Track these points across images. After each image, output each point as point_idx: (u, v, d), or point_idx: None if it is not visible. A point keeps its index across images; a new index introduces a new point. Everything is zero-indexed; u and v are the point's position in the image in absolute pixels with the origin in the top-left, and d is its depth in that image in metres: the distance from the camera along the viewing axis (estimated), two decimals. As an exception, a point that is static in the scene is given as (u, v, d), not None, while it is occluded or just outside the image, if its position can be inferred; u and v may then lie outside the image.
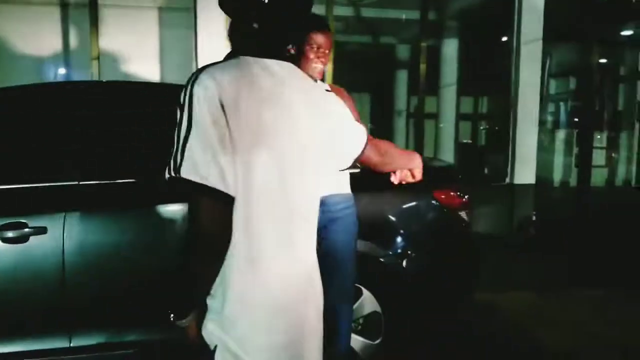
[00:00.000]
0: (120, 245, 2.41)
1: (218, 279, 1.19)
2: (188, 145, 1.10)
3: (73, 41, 7.79)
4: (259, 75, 1.20)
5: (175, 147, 1.12)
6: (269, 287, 1.20)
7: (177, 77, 7.71)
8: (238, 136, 1.13)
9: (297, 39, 1.92)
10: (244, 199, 1.16)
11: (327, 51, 2.10)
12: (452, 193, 2.94)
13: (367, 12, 8.97)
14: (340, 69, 7.40)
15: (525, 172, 6.97)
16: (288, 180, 1.22)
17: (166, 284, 2.37)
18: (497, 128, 9.01)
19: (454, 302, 2.97)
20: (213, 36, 6.31)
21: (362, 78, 13.66)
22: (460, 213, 2.93)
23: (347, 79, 12.86)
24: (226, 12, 1.33)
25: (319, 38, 2.07)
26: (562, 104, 12.69)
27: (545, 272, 4.98)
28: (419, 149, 7.25)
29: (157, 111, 2.69)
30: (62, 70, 7.89)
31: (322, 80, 2.17)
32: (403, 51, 11.90)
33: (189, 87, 1.14)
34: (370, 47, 12.01)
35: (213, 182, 1.10)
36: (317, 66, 2.07)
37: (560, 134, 10.04)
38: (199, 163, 1.10)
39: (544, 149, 8.53)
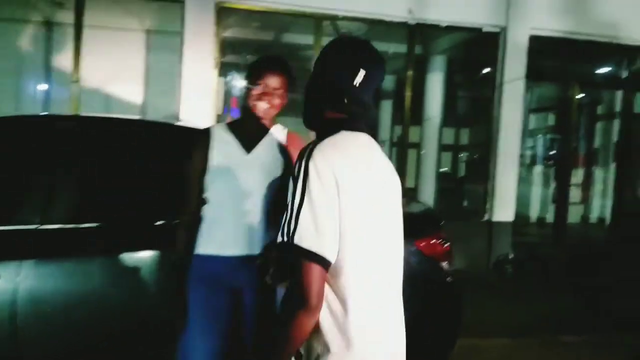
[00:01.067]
0: (80, 295, 2.26)
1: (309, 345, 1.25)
2: (301, 214, 1.21)
3: (56, 61, 7.69)
4: (361, 150, 1.34)
5: (289, 214, 1.23)
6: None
7: (161, 101, 7.67)
8: (348, 209, 1.24)
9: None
10: (351, 268, 1.24)
11: (277, 92, 2.06)
12: (434, 241, 2.91)
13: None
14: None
15: (504, 209, 7.04)
16: (389, 250, 1.34)
17: (125, 334, 2.30)
18: (477, 162, 9.11)
19: (436, 354, 2.91)
20: (198, 62, 6.28)
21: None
22: (442, 263, 2.90)
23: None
24: (314, 109, 1.44)
25: (270, 78, 2.04)
26: (540, 140, 12.98)
27: (523, 315, 4.97)
28: (401, 176, 7.24)
29: (126, 151, 2.62)
30: (42, 89, 7.78)
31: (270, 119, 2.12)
32: (388, 82, 12.05)
33: (304, 161, 1.24)
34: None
35: (321, 250, 1.20)
36: (260, 104, 2.04)
37: (538, 169, 10.19)
38: (309, 232, 1.20)
39: (522, 183, 8.62)
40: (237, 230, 2.02)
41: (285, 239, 1.22)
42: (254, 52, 9.62)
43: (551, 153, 12.22)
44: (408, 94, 7.26)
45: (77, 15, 6.23)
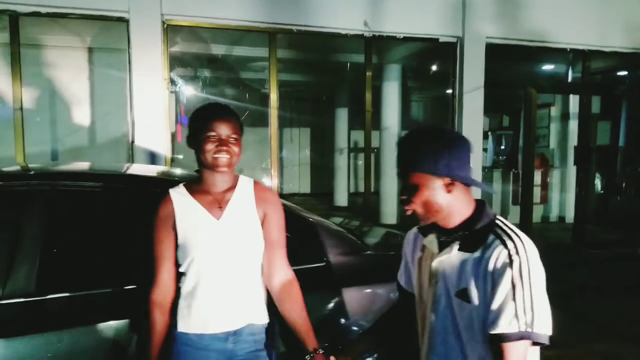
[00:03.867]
0: None
1: None
2: (536, 304, 1.36)
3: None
4: None
5: (518, 305, 1.35)
6: None
7: (110, 122, 7.28)
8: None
9: None
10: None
11: (233, 139, 1.83)
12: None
13: (310, 56, 8.91)
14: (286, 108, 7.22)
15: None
16: None
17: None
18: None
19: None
20: (148, 80, 5.96)
21: (305, 116, 13.69)
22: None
23: (293, 117, 12.91)
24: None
25: (221, 127, 1.81)
26: (497, 143, 13.23)
27: None
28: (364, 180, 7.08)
29: (84, 211, 2.35)
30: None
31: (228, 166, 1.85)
32: (346, 91, 12.01)
33: (521, 256, 1.39)
34: (313, 86, 12.01)
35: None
36: (220, 157, 1.80)
37: (496, 174, 10.30)
38: (547, 319, 1.38)
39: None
40: (219, 306, 1.83)
41: (527, 328, 1.34)
42: (206, 65, 9.34)
43: (503, 157, 12.54)
44: (368, 102, 7.14)
45: (12, 34, 5.78)
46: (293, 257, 2.01)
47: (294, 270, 1.97)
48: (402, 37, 6.95)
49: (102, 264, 2.27)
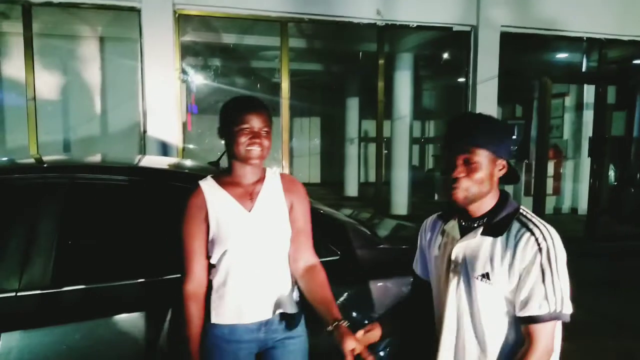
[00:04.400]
0: None
1: None
2: (563, 286, 1.47)
3: (7, 73, 7.22)
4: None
5: (547, 288, 1.45)
6: None
7: (122, 112, 7.30)
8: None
9: None
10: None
11: (265, 132, 1.84)
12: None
13: (322, 44, 8.85)
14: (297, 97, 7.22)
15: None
16: None
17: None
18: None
19: None
20: (161, 67, 5.95)
21: (316, 105, 13.64)
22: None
23: (304, 107, 12.88)
24: None
25: (254, 119, 1.82)
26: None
27: None
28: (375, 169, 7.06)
29: (110, 204, 2.34)
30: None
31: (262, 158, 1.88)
32: (357, 81, 11.94)
33: (547, 243, 1.47)
34: (325, 76, 11.95)
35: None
36: (253, 149, 1.81)
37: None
38: (569, 300, 1.48)
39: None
40: (252, 296, 1.86)
41: (557, 309, 1.45)
42: (218, 54, 9.31)
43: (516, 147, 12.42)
44: (380, 92, 7.10)
45: (25, 24, 5.79)
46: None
47: None
48: (415, 25, 6.88)
49: (119, 257, 2.28)
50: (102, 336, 2.08)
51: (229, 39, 8.20)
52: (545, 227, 1.50)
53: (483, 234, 1.52)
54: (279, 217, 1.91)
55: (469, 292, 1.53)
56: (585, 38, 7.59)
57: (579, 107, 9.79)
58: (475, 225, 1.55)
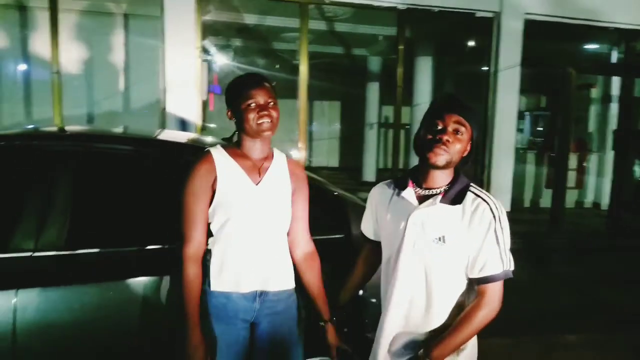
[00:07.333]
0: (82, 324, 2.11)
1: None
2: (508, 248, 1.67)
3: (33, 47, 7.34)
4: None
5: (500, 249, 1.65)
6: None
7: (143, 88, 7.39)
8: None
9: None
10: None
11: (272, 104, 1.91)
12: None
13: (342, 27, 8.79)
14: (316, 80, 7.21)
15: (499, 199, 6.87)
16: None
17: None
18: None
19: None
20: (182, 45, 6.00)
21: (336, 89, 13.57)
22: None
23: (323, 90, 12.85)
24: None
25: (259, 94, 1.89)
26: (530, 122, 12.89)
27: (526, 312, 4.74)
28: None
29: (121, 172, 2.42)
30: (20, 81, 7.44)
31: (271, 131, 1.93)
32: (378, 65, 11.82)
33: (497, 210, 1.66)
34: (345, 59, 11.87)
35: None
36: (263, 121, 1.88)
37: (531, 155, 10.04)
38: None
39: (515, 170, 8.47)
40: (250, 266, 1.92)
41: (507, 267, 1.65)
42: (238, 34, 9.33)
43: (539, 138, 12.21)
44: (399, 77, 7.04)
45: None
46: (314, 227, 2.08)
47: (314, 240, 2.07)
48: (437, 10, 6.79)
49: (130, 223, 2.35)
50: (112, 298, 2.17)
51: (249, 19, 8.20)
52: (493, 199, 1.70)
53: (442, 202, 1.68)
54: (283, 195, 1.96)
55: (424, 253, 1.68)
56: (612, 28, 7.40)
57: (605, 99, 9.58)
58: (433, 194, 1.72)
